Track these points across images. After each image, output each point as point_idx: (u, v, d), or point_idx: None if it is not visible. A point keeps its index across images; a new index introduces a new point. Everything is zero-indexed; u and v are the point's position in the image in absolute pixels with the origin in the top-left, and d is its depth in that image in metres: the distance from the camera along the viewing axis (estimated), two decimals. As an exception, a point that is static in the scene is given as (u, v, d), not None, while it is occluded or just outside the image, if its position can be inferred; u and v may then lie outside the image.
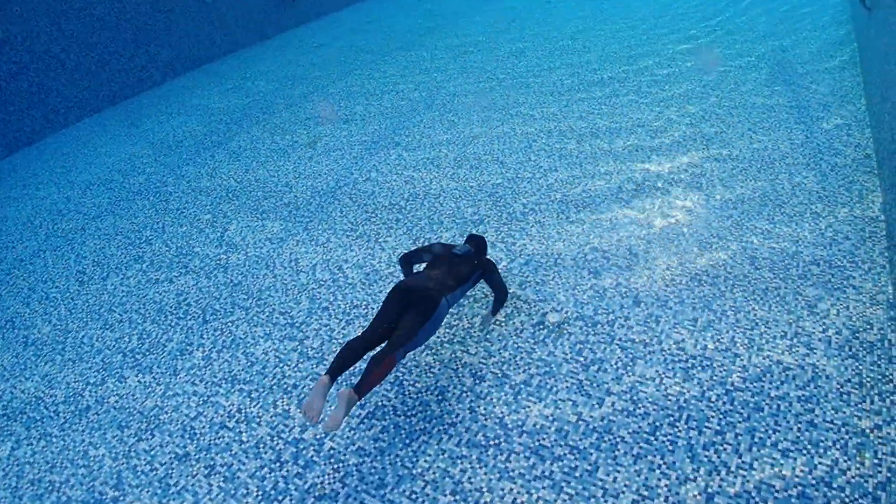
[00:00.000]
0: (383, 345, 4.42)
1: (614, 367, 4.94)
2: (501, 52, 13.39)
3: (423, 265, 6.10)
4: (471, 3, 20.31)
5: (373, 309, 6.09)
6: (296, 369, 5.48)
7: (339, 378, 4.72)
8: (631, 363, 4.94)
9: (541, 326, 5.46)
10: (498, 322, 5.58)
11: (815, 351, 4.76)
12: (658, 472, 4.13)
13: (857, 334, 4.86)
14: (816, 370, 4.62)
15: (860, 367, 4.57)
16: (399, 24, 17.93)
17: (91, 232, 8.49)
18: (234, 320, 6.29)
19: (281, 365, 5.58)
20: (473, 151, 8.70)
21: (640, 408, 4.59)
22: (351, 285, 6.46)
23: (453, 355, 5.33)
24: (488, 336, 5.46)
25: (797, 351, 4.79)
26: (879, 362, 4.59)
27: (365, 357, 5.02)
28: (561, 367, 5.00)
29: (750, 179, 7.12)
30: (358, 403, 4.71)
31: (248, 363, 5.71)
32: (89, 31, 14.18)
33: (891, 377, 4.49)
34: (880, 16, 9.48)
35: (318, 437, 4.86)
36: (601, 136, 8.66)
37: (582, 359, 5.05)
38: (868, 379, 4.49)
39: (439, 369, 5.22)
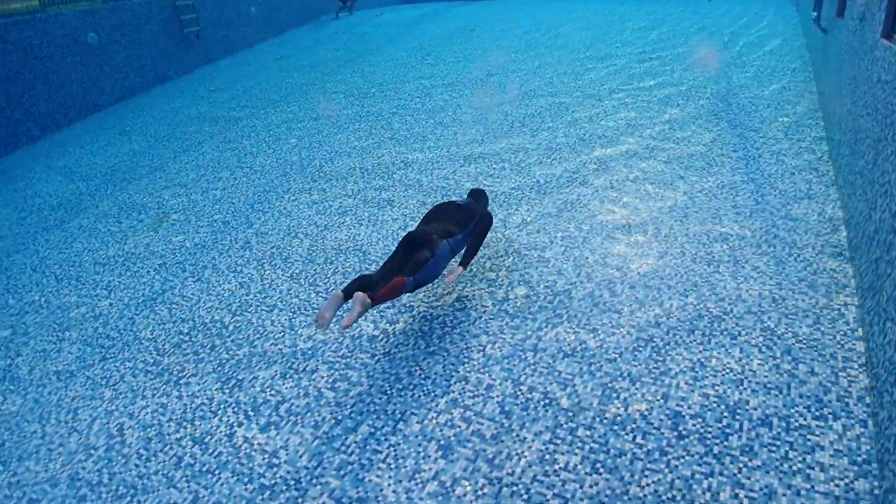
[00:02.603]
0: None
1: None
2: (405, 94, 11.55)
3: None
4: (394, 32, 18.56)
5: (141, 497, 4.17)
6: None
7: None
8: None
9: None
10: None
11: None
12: None
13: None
14: None
15: None
16: (306, 60, 16.12)
17: None
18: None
19: None
20: (333, 238, 6.78)
21: None
22: (124, 459, 4.52)
23: None
24: None
25: None
26: None
27: None
28: None
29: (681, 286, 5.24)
30: (369, 309, 4.44)
31: None
32: (-50, 85, 12.20)
33: None
34: (838, 38, 7.73)
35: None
36: (498, 204, 6.79)
37: None
38: None
39: None
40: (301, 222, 7.25)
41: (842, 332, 4.42)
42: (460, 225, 5.14)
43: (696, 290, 5.05)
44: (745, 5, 18.16)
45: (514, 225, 6.37)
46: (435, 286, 5.70)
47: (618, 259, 5.61)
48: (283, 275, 6.32)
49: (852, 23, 6.60)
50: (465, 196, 6.00)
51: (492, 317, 5.07)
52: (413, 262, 4.71)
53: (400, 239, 5.16)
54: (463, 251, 5.28)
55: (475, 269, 5.76)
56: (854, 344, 4.28)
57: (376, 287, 4.52)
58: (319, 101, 12.65)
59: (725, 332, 4.55)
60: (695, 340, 4.51)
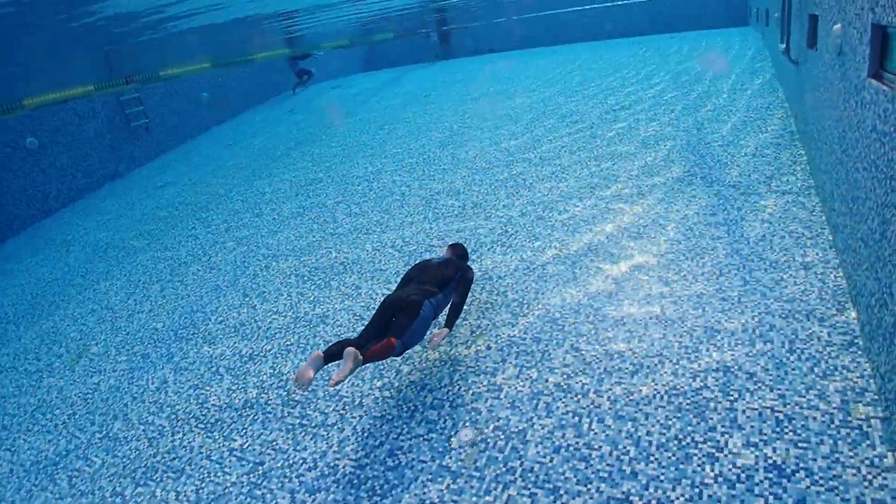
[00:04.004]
0: None
1: None
2: (353, 178, 10.73)
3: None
4: (349, 104, 17.93)
5: None
6: None
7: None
8: None
9: None
10: None
11: None
12: None
13: None
14: None
15: None
16: (258, 144, 15.38)
17: None
18: None
19: None
20: (256, 372, 5.84)
21: None
22: None
23: None
24: None
25: None
26: None
27: None
28: None
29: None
30: (359, 366, 4.15)
31: None
32: None
33: None
34: (813, 71, 6.93)
35: None
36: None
37: None
38: None
39: None
40: (224, 352, 6.32)
41: (868, 462, 3.48)
42: (440, 284, 5.01)
43: (679, 416, 4.10)
44: (709, 39, 17.59)
45: (462, 339, 5.43)
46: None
47: (583, 380, 4.67)
48: (196, 426, 5.37)
49: (828, 56, 5.77)
50: (445, 250, 5.87)
51: (430, 477, 4.11)
52: (396, 326, 4.50)
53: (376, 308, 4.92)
54: (447, 310, 5.13)
55: (415, 406, 4.81)
56: (885, 479, 3.32)
57: (365, 347, 4.33)
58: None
59: (721, 480, 3.60)
60: (681, 496, 3.54)
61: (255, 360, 6.04)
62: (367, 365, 5.32)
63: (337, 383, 3.94)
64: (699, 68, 13.68)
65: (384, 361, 5.38)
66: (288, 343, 6.16)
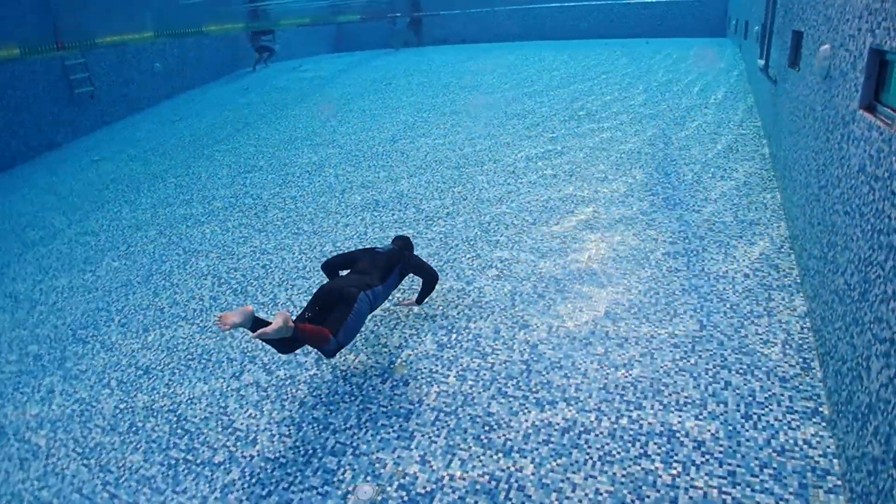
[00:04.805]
0: None
1: None
2: (294, 168, 10.07)
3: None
4: (307, 87, 17.20)
5: None
6: None
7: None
8: None
9: None
10: None
11: None
12: None
13: None
14: None
15: None
16: (205, 122, 14.58)
17: None
18: None
19: None
20: (148, 389, 5.21)
21: None
22: None
23: None
24: None
25: None
26: None
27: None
28: None
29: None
30: (286, 335, 3.85)
31: None
32: None
33: None
34: (792, 93, 6.47)
35: None
36: (367, 334, 5.32)
37: None
38: None
39: None
40: (120, 361, 5.69)
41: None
42: (381, 277, 4.84)
43: (612, 492, 3.62)
44: (684, 49, 17.19)
45: (379, 370, 4.86)
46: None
47: (507, 434, 4.13)
48: (73, 449, 4.76)
49: (812, 78, 5.27)
50: (389, 244, 5.59)
51: (316, 543, 3.52)
52: (332, 318, 4.29)
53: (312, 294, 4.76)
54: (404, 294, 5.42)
55: (313, 449, 4.23)
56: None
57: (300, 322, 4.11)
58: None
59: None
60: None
61: (151, 375, 5.41)
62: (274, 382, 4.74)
63: (259, 336, 3.68)
64: (672, 77, 13.23)
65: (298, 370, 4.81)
66: (189, 357, 5.55)
